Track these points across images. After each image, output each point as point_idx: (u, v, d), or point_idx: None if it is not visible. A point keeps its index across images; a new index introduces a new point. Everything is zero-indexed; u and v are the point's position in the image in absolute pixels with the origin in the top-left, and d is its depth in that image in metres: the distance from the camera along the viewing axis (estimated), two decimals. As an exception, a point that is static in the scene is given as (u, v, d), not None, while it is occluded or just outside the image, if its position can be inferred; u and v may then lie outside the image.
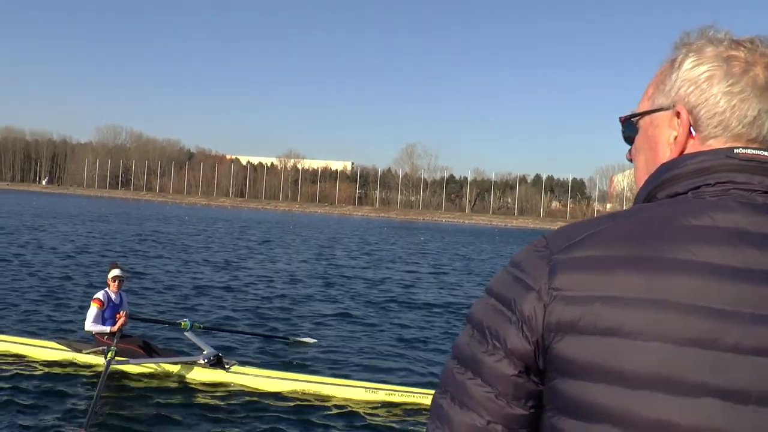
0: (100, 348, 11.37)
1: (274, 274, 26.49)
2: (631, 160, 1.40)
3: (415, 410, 10.24)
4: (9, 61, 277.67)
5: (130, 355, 11.27)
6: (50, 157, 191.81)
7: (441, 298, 22.50)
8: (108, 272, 12.00)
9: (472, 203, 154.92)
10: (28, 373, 11.12)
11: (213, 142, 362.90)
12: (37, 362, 11.62)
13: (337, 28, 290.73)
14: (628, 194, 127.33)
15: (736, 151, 1.20)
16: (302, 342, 14.00)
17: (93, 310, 11.44)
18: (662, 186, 1.24)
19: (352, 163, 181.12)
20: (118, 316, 11.42)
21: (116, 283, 11.75)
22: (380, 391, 10.64)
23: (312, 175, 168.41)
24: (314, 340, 14.24)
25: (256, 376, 11.25)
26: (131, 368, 11.30)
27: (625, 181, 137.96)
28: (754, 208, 1.16)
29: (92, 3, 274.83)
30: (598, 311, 1.12)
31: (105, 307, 11.49)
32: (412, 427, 9.66)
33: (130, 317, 11.65)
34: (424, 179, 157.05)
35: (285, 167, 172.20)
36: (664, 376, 1.08)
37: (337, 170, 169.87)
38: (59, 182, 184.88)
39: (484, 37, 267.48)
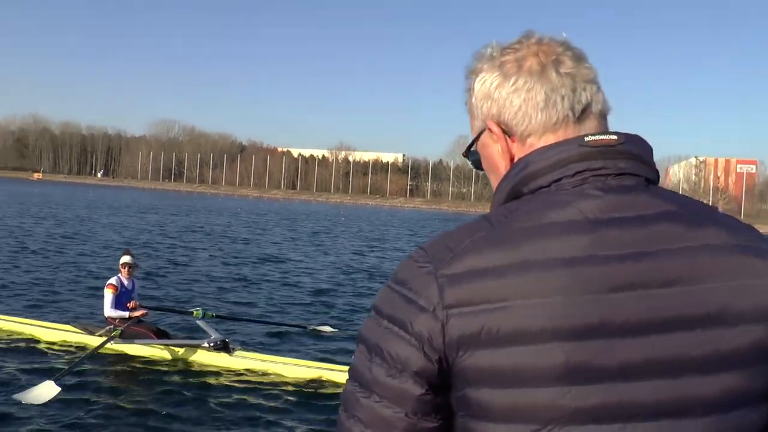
0: (109, 328, 11.65)
1: (316, 265, 26.21)
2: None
3: None
4: (65, 56, 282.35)
5: (139, 337, 11.56)
6: (105, 150, 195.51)
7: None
8: (120, 259, 12.31)
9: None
10: (37, 351, 11.55)
11: (265, 134, 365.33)
12: (49, 343, 11.98)
13: (388, 20, 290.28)
14: (684, 186, 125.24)
15: (586, 139, 1.26)
16: (320, 331, 13.84)
17: (109, 295, 11.71)
18: (524, 182, 1.28)
19: (404, 155, 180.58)
20: (130, 305, 11.79)
21: (126, 269, 12.04)
22: None
23: (363, 167, 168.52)
24: (334, 330, 14.02)
25: (260, 360, 11.27)
26: (135, 348, 11.52)
27: (681, 173, 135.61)
28: (610, 191, 1.23)
29: (144, 1, 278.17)
30: (495, 323, 1.15)
31: (118, 292, 11.77)
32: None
33: (141, 306, 12.03)
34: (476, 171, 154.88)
35: (336, 159, 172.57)
36: (569, 369, 1.14)
37: (388, 162, 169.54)
38: (114, 175, 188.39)
39: (540, 24, 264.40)
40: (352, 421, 1.25)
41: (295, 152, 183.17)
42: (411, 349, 1.19)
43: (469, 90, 1.40)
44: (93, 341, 11.61)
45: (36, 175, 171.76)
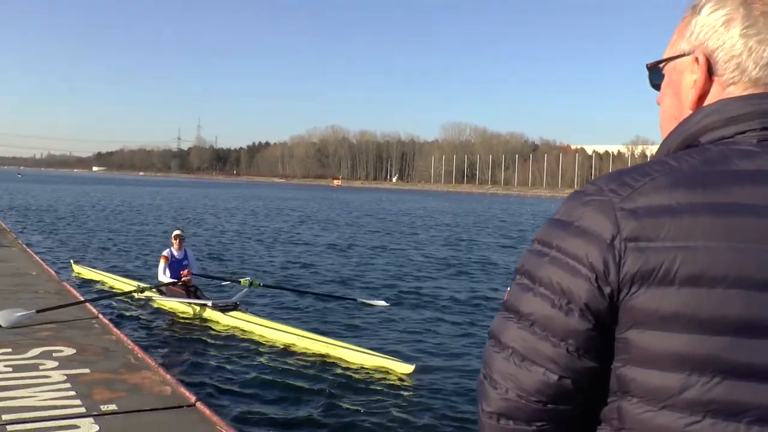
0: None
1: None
2: (659, 104, 1.40)
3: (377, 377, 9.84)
4: (356, 70, 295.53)
5: (173, 295, 13.44)
6: (399, 156, 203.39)
7: None
8: (171, 233, 14.19)
9: None
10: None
11: (557, 132, 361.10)
12: (114, 291, 14.78)
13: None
14: None
15: None
16: (370, 304, 14.01)
17: (161, 264, 13.66)
18: (704, 130, 1.23)
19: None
20: (183, 273, 13.33)
21: (177, 241, 13.71)
22: (357, 352, 10.49)
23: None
24: (385, 304, 14.05)
25: (255, 324, 12.00)
26: (162, 302, 13.63)
27: None
28: None
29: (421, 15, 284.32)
30: (676, 262, 1.10)
31: (170, 261, 13.54)
32: (390, 391, 9.31)
33: (194, 274, 13.69)
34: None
35: (632, 154, 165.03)
36: (747, 321, 1.08)
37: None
38: (408, 179, 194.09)
39: None
40: (507, 352, 1.20)
41: (589, 149, 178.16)
42: (581, 281, 1.15)
43: (696, 7, 1.29)
44: (138, 296, 13.66)
45: (335, 182, 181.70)
